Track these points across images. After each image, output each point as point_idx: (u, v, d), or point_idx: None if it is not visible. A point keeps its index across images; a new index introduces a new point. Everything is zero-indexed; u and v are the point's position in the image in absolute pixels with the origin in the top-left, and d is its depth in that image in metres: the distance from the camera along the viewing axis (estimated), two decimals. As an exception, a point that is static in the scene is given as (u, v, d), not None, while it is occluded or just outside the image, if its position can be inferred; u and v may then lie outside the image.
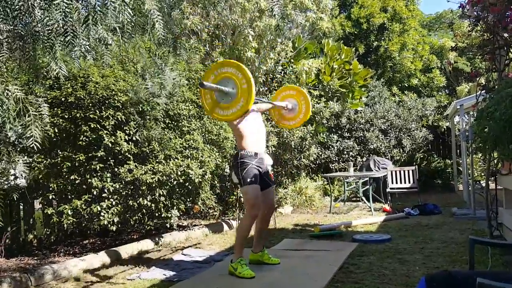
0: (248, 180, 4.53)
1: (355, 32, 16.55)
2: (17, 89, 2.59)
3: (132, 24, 2.76)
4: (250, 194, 4.53)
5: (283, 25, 10.88)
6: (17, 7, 2.27)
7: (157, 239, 6.38)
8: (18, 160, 3.78)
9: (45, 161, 5.65)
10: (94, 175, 5.73)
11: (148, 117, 6.14)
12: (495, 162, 5.49)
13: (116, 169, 5.88)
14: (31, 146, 2.74)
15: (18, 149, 4.82)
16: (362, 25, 16.35)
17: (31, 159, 5.52)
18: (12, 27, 2.39)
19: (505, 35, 5.26)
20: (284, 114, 5.49)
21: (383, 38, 16.40)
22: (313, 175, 12.05)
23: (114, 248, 5.76)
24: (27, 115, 2.68)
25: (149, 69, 3.69)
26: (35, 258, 5.75)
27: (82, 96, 5.73)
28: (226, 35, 10.04)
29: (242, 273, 4.39)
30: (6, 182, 5.33)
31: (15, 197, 4.65)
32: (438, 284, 2.16)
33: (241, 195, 6.56)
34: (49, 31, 2.35)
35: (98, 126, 5.74)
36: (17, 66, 2.72)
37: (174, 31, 3.71)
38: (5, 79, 2.55)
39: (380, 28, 16.40)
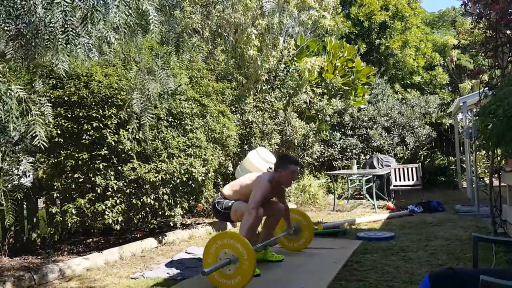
0: (230, 204, 4.73)
1: (355, 31, 16.52)
2: (20, 88, 2.60)
3: (133, 23, 2.76)
4: (241, 207, 4.64)
5: (285, 23, 10.87)
6: (19, 6, 2.27)
7: (160, 237, 6.38)
8: (22, 160, 3.79)
9: (48, 161, 5.66)
10: (98, 173, 5.73)
11: (150, 115, 6.13)
12: (499, 159, 5.47)
13: (119, 168, 5.89)
14: (38, 145, 2.74)
15: (22, 149, 4.82)
16: (363, 23, 16.33)
17: (34, 159, 5.52)
18: (14, 26, 2.39)
19: (508, 32, 5.24)
20: (287, 236, 5.49)
21: (385, 36, 16.36)
22: (316, 172, 12.04)
23: (117, 247, 5.77)
24: (30, 114, 2.69)
25: (151, 68, 3.69)
26: (39, 257, 5.76)
27: (85, 95, 5.74)
28: (229, 33, 10.04)
29: None
30: (11, 182, 5.34)
31: (19, 197, 4.65)
32: (442, 281, 2.15)
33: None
34: (51, 30, 2.35)
35: (101, 125, 5.75)
36: (19, 65, 2.72)
37: (176, 30, 3.69)
38: (7, 79, 2.56)
39: (381, 26, 16.37)
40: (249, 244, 3.96)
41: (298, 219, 5.49)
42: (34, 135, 2.72)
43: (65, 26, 2.31)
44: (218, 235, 4.18)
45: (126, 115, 5.70)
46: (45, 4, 2.29)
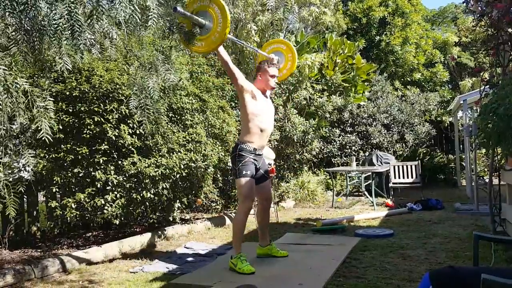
0: (243, 172, 4.56)
1: (354, 27, 16.51)
2: (25, 82, 2.60)
3: (135, 18, 2.76)
4: (244, 187, 4.55)
5: (286, 20, 10.87)
6: (24, 0, 2.27)
7: (159, 232, 6.39)
8: (23, 153, 3.79)
9: (48, 155, 5.66)
10: (98, 168, 5.73)
11: (151, 110, 6.13)
12: (499, 157, 5.48)
13: (119, 162, 5.89)
14: (42, 139, 2.74)
15: (23, 142, 4.82)
16: (361, 19, 16.31)
17: (35, 153, 5.52)
18: (18, 21, 2.39)
19: (509, 30, 5.24)
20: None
21: (385, 32, 16.35)
22: (315, 169, 12.06)
23: (117, 241, 5.78)
24: (34, 107, 2.69)
25: (153, 63, 3.69)
26: (39, 250, 5.77)
27: (87, 90, 5.73)
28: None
29: (242, 269, 4.41)
30: (12, 175, 5.34)
31: (22, 190, 4.66)
32: (443, 279, 2.16)
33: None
34: (55, 26, 2.35)
35: (102, 119, 5.74)
36: (23, 59, 2.72)
37: (179, 25, 3.69)
38: (13, 72, 2.56)
39: (381, 22, 16.36)
40: (223, 3, 3.91)
41: (280, 48, 5.43)
42: (39, 128, 2.72)
43: (71, 21, 2.30)
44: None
45: (127, 110, 5.70)
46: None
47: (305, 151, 10.97)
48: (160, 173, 5.90)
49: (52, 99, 2.97)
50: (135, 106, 3.67)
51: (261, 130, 4.68)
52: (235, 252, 4.56)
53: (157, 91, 3.66)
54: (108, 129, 5.70)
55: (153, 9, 2.86)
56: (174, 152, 6.29)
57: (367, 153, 12.54)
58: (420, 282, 2.29)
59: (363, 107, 13.17)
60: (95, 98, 5.78)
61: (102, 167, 5.76)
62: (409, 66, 16.27)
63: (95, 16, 2.45)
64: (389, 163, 10.90)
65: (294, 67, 5.47)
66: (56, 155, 5.66)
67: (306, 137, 10.75)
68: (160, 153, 6.18)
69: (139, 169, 5.78)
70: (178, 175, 6.15)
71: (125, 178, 5.82)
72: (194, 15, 3.91)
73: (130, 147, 5.90)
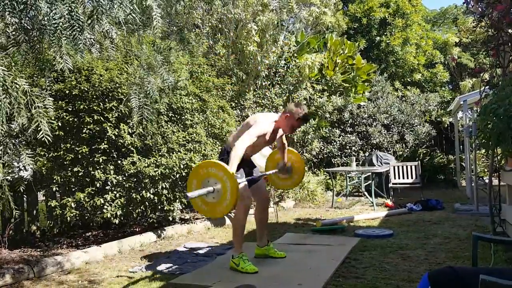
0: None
1: (354, 27, 16.52)
2: (25, 82, 2.60)
3: (135, 18, 2.76)
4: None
5: (286, 20, 10.88)
6: (24, 0, 2.27)
7: (159, 232, 6.40)
8: (22, 153, 3.79)
9: (48, 154, 5.66)
10: (97, 167, 5.74)
11: (151, 110, 6.14)
12: (499, 158, 5.47)
13: (119, 162, 5.90)
14: (42, 139, 2.74)
15: (22, 142, 4.83)
16: (362, 20, 16.31)
17: (34, 152, 5.52)
18: (18, 20, 2.39)
19: (510, 31, 5.24)
20: (279, 175, 5.46)
21: (385, 33, 16.35)
22: (315, 169, 12.05)
23: (116, 241, 5.78)
24: (33, 107, 2.69)
25: (152, 63, 3.69)
26: (38, 249, 5.77)
27: (86, 89, 5.74)
28: (229, 29, 10.03)
29: (245, 268, 4.41)
30: (11, 175, 5.34)
31: (22, 189, 4.66)
32: (442, 280, 2.16)
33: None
34: (55, 25, 2.35)
35: (101, 118, 5.75)
36: (22, 59, 2.72)
37: (178, 25, 3.70)
38: (12, 72, 2.56)
39: (381, 23, 16.36)
40: (233, 174, 3.89)
41: (289, 157, 5.46)
42: (38, 129, 2.72)
43: (71, 21, 2.31)
44: (203, 163, 4.12)
45: (126, 109, 5.71)
46: (50, -1, 2.30)
47: (305, 151, 10.97)
48: (159, 173, 5.91)
49: (51, 98, 2.97)
50: (137, 105, 3.68)
51: (251, 151, 4.69)
52: (237, 252, 4.56)
53: (156, 91, 3.66)
54: (107, 128, 5.70)
55: (156, 9, 2.86)
56: (174, 152, 6.29)
57: (367, 154, 12.54)
58: (419, 282, 2.28)
59: (363, 107, 13.18)
60: (94, 97, 5.79)
61: (101, 166, 5.77)
62: (410, 67, 16.27)
63: (95, 16, 2.45)
64: (389, 163, 10.89)
65: (303, 174, 5.52)
66: (55, 154, 5.67)
67: (306, 137, 10.75)
68: (160, 153, 6.18)
69: (139, 169, 5.79)
70: (178, 175, 6.16)
71: (124, 178, 5.83)
72: (201, 189, 3.93)
73: (130, 146, 5.91)
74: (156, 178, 5.93)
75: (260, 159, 6.18)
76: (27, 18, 2.42)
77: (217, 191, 3.87)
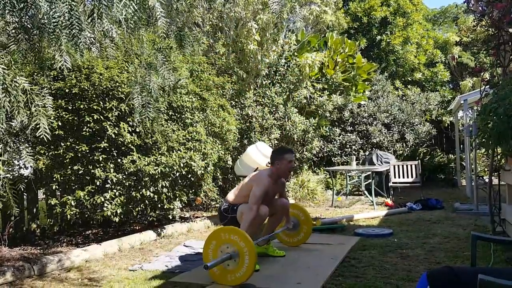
0: (235, 207, 4.66)
1: (355, 26, 16.51)
2: (24, 80, 2.60)
3: (136, 17, 2.76)
4: (245, 208, 4.57)
5: (286, 19, 10.86)
6: (24, -2, 2.27)
7: (159, 230, 6.40)
8: (22, 151, 3.80)
9: (48, 152, 5.67)
10: (97, 166, 5.74)
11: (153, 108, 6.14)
12: (499, 157, 5.48)
13: (119, 160, 5.90)
14: (41, 137, 2.74)
15: (22, 140, 4.83)
16: (362, 19, 16.31)
17: (34, 150, 5.53)
18: (18, 19, 2.39)
19: (510, 30, 5.24)
20: (286, 230, 5.50)
21: (386, 32, 16.35)
22: (315, 168, 12.05)
23: (116, 239, 5.78)
24: (33, 105, 2.69)
25: (152, 62, 3.70)
26: (38, 247, 5.78)
27: (86, 88, 5.74)
28: (230, 27, 10.03)
29: None
30: (12, 173, 5.35)
31: (22, 188, 4.67)
32: (440, 279, 2.16)
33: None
34: (55, 24, 2.35)
35: (101, 117, 5.75)
36: (22, 57, 2.72)
37: (178, 24, 3.70)
38: (12, 71, 2.56)
39: (382, 22, 16.35)
40: (250, 239, 3.97)
41: (297, 214, 5.50)
42: (37, 127, 2.73)
43: (71, 20, 2.31)
44: (219, 230, 4.18)
45: (127, 108, 5.71)
46: (50, -3, 2.29)
47: (305, 150, 10.97)
48: (159, 171, 5.91)
49: (51, 97, 2.97)
50: (140, 104, 3.68)
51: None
52: None
53: (157, 90, 3.66)
54: (107, 127, 5.71)
55: (158, 8, 2.86)
56: (174, 151, 6.30)
57: (367, 153, 12.54)
58: (418, 281, 2.29)
59: (364, 106, 13.17)
60: (94, 95, 5.79)
61: (101, 165, 5.77)
62: (410, 66, 16.26)
63: (96, 15, 2.46)
64: (389, 162, 10.89)
65: (310, 230, 5.55)
66: (55, 152, 5.67)
67: (306, 136, 10.75)
68: (160, 151, 6.18)
69: (139, 167, 5.79)
70: (177, 173, 6.16)
71: (124, 176, 5.83)
72: (220, 258, 4.00)
73: (130, 145, 5.91)
74: (156, 177, 5.94)
75: (260, 157, 6.19)
76: (27, 17, 2.42)
77: (234, 259, 3.97)
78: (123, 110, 5.80)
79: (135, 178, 5.95)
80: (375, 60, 15.67)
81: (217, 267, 4.02)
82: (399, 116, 13.18)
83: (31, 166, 5.52)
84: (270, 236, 5.06)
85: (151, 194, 5.94)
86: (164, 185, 6.07)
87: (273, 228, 5.14)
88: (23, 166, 5.52)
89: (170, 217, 6.67)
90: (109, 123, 5.75)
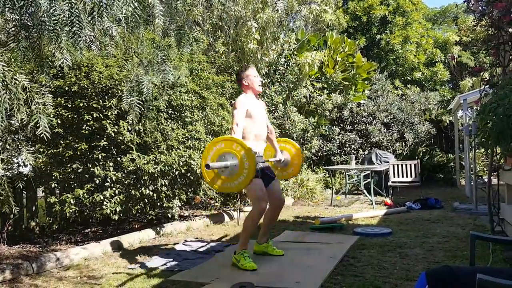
0: None
1: (354, 25, 16.50)
2: (24, 78, 2.60)
3: (136, 16, 2.76)
4: (254, 189, 4.54)
5: (286, 18, 10.86)
6: (24, -4, 2.27)
7: (158, 229, 6.40)
8: (22, 149, 3.80)
9: (47, 150, 5.67)
10: (97, 164, 5.74)
11: (148, 108, 6.15)
12: (498, 157, 5.48)
13: (118, 159, 5.90)
14: (41, 135, 2.74)
15: (22, 138, 4.83)
16: (362, 18, 16.30)
17: (34, 148, 5.53)
18: (18, 16, 2.39)
19: (510, 30, 5.24)
20: (275, 164, 5.52)
21: (385, 31, 16.34)
22: (314, 167, 12.05)
23: (115, 237, 5.79)
24: (33, 103, 2.69)
25: (152, 60, 3.70)
26: (37, 245, 5.78)
27: (86, 86, 5.74)
28: (229, 26, 10.02)
29: (244, 265, 4.43)
30: (11, 171, 5.35)
31: (21, 186, 4.67)
32: (439, 279, 2.17)
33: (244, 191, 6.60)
34: (55, 22, 2.35)
35: (101, 115, 5.75)
36: (22, 55, 2.72)
37: (177, 22, 3.70)
38: (12, 68, 2.56)
39: (382, 21, 16.35)
40: (250, 148, 4.04)
41: (288, 149, 5.51)
42: (37, 125, 2.73)
43: (71, 18, 2.31)
44: (218, 139, 4.23)
45: (126, 106, 5.71)
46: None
47: (304, 149, 10.97)
48: (159, 170, 5.91)
49: (51, 95, 2.97)
50: (128, 104, 3.68)
51: (255, 136, 4.76)
52: (241, 248, 4.58)
53: (151, 90, 3.66)
54: (107, 125, 5.71)
55: (157, 6, 2.86)
56: (173, 149, 6.30)
57: (366, 152, 12.54)
58: (417, 281, 2.29)
59: (363, 105, 13.17)
60: (94, 94, 5.79)
61: (101, 163, 5.77)
62: (410, 65, 16.25)
63: (96, 13, 2.46)
64: (388, 162, 10.89)
65: (300, 164, 5.60)
66: (55, 150, 5.67)
67: (306, 135, 10.75)
68: (159, 150, 6.18)
69: (138, 166, 5.79)
70: (177, 172, 6.16)
71: (124, 175, 5.83)
72: (220, 162, 4.06)
73: (129, 143, 5.91)
74: (155, 175, 5.94)
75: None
76: (27, 15, 2.42)
77: (232, 167, 4.01)
78: (122, 108, 5.80)
79: (134, 176, 5.95)
80: (375, 59, 15.66)
81: (217, 176, 4.08)
82: (398, 115, 13.18)
83: (30, 164, 5.52)
84: (271, 160, 5.21)
85: (151, 193, 5.94)
86: (163, 183, 6.07)
87: (272, 223, 5.16)
88: (22, 164, 5.52)
89: (169, 216, 6.68)
90: (108, 121, 5.75)
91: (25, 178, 5.36)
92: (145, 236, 6.12)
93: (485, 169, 11.47)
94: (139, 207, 6.08)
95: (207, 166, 3.90)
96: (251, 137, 4.70)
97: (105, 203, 5.68)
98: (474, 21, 5.81)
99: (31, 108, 2.71)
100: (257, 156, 4.68)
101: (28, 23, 2.47)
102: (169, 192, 6.26)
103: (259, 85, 4.98)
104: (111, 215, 5.75)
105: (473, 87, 15.20)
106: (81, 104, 5.70)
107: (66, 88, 5.73)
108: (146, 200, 6.05)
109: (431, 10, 21.32)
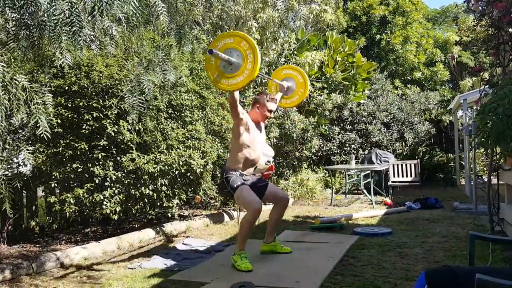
0: (235, 185, 4.68)
1: (354, 25, 16.50)
2: (24, 78, 2.60)
3: (137, 15, 2.76)
4: (242, 196, 4.63)
5: (286, 17, 10.84)
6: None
7: (158, 228, 6.40)
8: (22, 149, 3.80)
9: (47, 150, 5.67)
10: (97, 164, 5.74)
11: (148, 107, 6.15)
12: (498, 157, 5.49)
13: (118, 158, 5.90)
14: (41, 135, 2.74)
15: (21, 138, 4.83)
16: (362, 18, 16.30)
17: (33, 148, 5.53)
18: (19, 16, 2.40)
19: (510, 30, 5.25)
20: (280, 91, 5.56)
21: (385, 31, 16.34)
22: (314, 167, 12.05)
23: (115, 237, 5.79)
24: (32, 103, 2.69)
25: (152, 60, 3.70)
26: (37, 245, 5.78)
27: (86, 85, 5.74)
28: (230, 26, 10.02)
29: (240, 266, 4.45)
30: (10, 170, 5.35)
31: (19, 185, 4.67)
32: (438, 279, 2.17)
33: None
34: (55, 21, 2.35)
35: (101, 115, 5.75)
36: (22, 54, 2.72)
37: (178, 22, 3.70)
38: (12, 68, 2.56)
39: (381, 21, 16.35)
40: (255, 44, 4.01)
41: (295, 76, 5.49)
42: (37, 125, 2.73)
43: (71, 17, 2.31)
44: (228, 32, 4.24)
45: (126, 106, 5.71)
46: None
47: (304, 149, 10.96)
48: (159, 170, 5.91)
49: (51, 94, 2.97)
50: (130, 104, 3.68)
51: (249, 161, 4.81)
52: (238, 249, 4.59)
53: (152, 89, 3.66)
54: (107, 124, 5.70)
55: (160, 4, 2.86)
56: (173, 149, 6.30)
57: (366, 152, 12.54)
58: (416, 281, 2.29)
59: (363, 105, 13.16)
60: (94, 93, 5.78)
61: (101, 163, 5.77)
62: (410, 65, 16.25)
63: (97, 12, 2.46)
64: (388, 161, 10.89)
65: (306, 93, 5.59)
66: (55, 150, 5.67)
67: (306, 134, 10.75)
68: (159, 150, 6.18)
69: (138, 165, 5.79)
70: (177, 172, 6.16)
71: (123, 174, 5.83)
72: (225, 55, 4.02)
73: (129, 143, 5.91)
74: (155, 175, 5.94)
75: (262, 158, 6.19)
76: (27, 14, 2.42)
77: (236, 65, 4.01)
78: (122, 108, 5.80)
79: (134, 176, 5.95)
80: (375, 59, 15.66)
81: (216, 69, 4.07)
82: (398, 115, 13.18)
83: (30, 164, 5.52)
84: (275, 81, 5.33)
85: (150, 192, 5.94)
86: (163, 183, 6.07)
87: (278, 222, 5.24)
88: (22, 164, 5.52)
89: (169, 215, 6.67)
90: (108, 121, 5.75)
91: (24, 178, 5.36)
92: (145, 236, 6.12)
93: (485, 169, 11.47)
94: (139, 206, 6.07)
95: (211, 52, 3.85)
96: (244, 162, 4.77)
97: (105, 202, 5.68)
98: (474, 21, 5.82)
99: (31, 108, 2.71)
100: (244, 177, 4.79)
101: (28, 22, 2.47)
102: (169, 192, 6.26)
103: (266, 119, 5.05)
104: (111, 214, 5.75)
105: (473, 87, 15.20)
106: (81, 104, 5.70)
107: (66, 88, 5.73)
108: (146, 199, 6.05)
109: (432, 10, 21.33)
